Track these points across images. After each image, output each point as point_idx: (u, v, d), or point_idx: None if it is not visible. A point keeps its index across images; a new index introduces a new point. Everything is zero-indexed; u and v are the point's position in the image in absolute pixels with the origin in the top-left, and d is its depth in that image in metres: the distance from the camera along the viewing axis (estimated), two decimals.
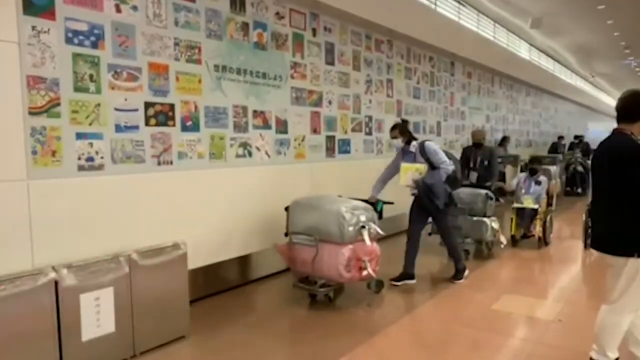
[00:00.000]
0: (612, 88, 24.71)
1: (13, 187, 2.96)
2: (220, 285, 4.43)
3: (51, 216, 3.12)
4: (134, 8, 3.62)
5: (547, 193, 6.60)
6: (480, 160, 6.55)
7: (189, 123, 4.07)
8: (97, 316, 3.05)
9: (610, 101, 26.75)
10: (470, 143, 7.02)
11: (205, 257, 4.15)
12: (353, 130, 6.28)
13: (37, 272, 2.83)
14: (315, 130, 5.57)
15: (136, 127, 3.66)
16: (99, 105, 3.41)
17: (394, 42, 7.14)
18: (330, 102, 5.82)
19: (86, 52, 3.32)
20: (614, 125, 2.89)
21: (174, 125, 3.94)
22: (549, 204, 6.64)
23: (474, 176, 6.49)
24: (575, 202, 10.20)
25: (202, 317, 3.84)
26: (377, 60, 6.76)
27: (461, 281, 4.85)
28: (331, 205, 4.02)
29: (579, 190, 11.92)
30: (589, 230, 5.56)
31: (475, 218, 5.67)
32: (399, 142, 4.72)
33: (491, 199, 5.75)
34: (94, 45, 3.37)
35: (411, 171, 4.59)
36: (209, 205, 4.21)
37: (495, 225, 5.72)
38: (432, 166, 4.59)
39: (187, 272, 3.59)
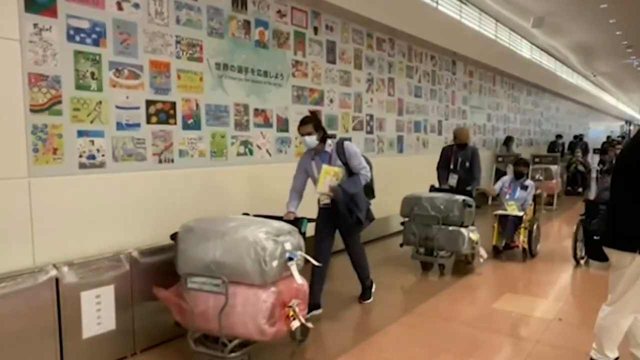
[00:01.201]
0: (613, 87, 24.69)
1: (14, 185, 2.96)
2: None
3: (52, 214, 3.12)
4: (136, 6, 3.62)
5: (535, 199, 6.04)
6: (461, 162, 5.87)
7: (190, 121, 4.07)
8: (98, 314, 3.06)
9: (612, 100, 26.74)
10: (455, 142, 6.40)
11: None
12: (354, 128, 6.27)
13: (38, 269, 2.84)
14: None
15: (137, 125, 3.66)
16: (100, 103, 3.41)
17: (396, 40, 7.13)
18: (331, 101, 5.81)
19: (88, 49, 3.32)
20: (616, 124, 2.89)
21: (175, 123, 3.95)
22: (535, 211, 6.11)
23: (453, 179, 5.88)
24: (576, 201, 10.18)
25: None
26: (378, 58, 6.75)
27: (370, 300, 4.33)
28: (243, 231, 2.87)
29: (580, 189, 11.93)
30: (579, 243, 5.44)
31: (450, 228, 4.94)
32: (313, 139, 3.87)
33: (469, 206, 5.02)
34: (96, 43, 3.37)
35: (329, 175, 3.80)
36: (210, 203, 4.21)
37: (474, 236, 5.01)
38: (350, 171, 3.89)
39: None
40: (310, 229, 3.64)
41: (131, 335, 3.25)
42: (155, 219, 3.72)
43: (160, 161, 3.84)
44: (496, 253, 5.81)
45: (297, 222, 3.47)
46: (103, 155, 3.44)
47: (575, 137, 17.05)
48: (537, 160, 10.48)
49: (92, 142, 3.38)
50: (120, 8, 3.51)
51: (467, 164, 5.85)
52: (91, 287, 3.02)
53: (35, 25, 3.03)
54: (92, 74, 3.36)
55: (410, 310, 4.20)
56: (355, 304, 4.26)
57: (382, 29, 6.65)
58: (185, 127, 4.03)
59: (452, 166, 5.90)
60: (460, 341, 3.54)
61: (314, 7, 5.45)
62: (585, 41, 13.30)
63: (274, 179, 4.89)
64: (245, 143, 4.61)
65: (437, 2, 7.85)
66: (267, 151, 4.88)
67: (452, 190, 5.56)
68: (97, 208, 3.38)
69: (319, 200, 4.02)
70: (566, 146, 15.21)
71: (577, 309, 4.40)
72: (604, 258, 3.38)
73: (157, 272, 3.35)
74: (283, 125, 5.07)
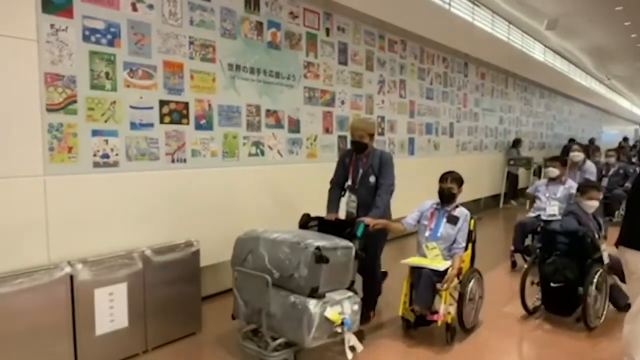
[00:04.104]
0: (628, 91, 24.38)
1: (30, 183, 3.01)
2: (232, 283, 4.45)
3: (67, 212, 3.16)
4: (150, 7, 3.66)
5: (470, 237, 3.63)
6: (363, 175, 3.70)
7: (203, 121, 4.10)
8: (111, 311, 3.09)
9: (626, 104, 26.42)
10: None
11: (217, 254, 4.17)
12: None
13: (53, 266, 2.87)
14: (327, 130, 5.57)
15: (151, 125, 3.70)
16: (114, 102, 3.45)
17: (408, 42, 7.12)
18: (342, 102, 5.82)
19: (103, 50, 3.36)
20: (630, 128, 2.87)
21: (188, 123, 3.97)
22: (472, 261, 3.73)
23: (352, 204, 3.75)
24: None
25: (213, 314, 3.87)
26: (390, 60, 6.74)
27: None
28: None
29: None
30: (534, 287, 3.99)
31: (292, 298, 2.82)
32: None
33: (326, 260, 2.79)
34: (111, 44, 3.41)
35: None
36: (222, 203, 4.23)
37: (334, 313, 2.81)
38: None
39: (200, 269, 3.63)
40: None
41: (143, 333, 3.27)
42: (167, 218, 3.75)
43: (173, 161, 3.87)
44: (407, 328, 3.62)
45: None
46: (117, 155, 3.48)
47: (589, 141, 16.87)
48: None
49: (106, 141, 3.42)
50: (134, 9, 3.55)
51: (372, 179, 3.66)
52: (105, 285, 3.05)
53: (52, 25, 3.08)
54: (107, 74, 3.40)
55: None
56: None
57: (394, 30, 6.65)
58: (198, 127, 4.06)
59: (349, 182, 3.79)
60: None
61: (326, 9, 5.46)
62: (600, 44, 13.15)
63: (285, 179, 4.91)
64: (256, 144, 4.63)
65: (449, 4, 7.82)
66: (279, 152, 4.89)
67: (339, 223, 3.53)
68: (111, 206, 3.42)
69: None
70: None
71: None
72: (567, 312, 3.38)
73: (170, 271, 3.38)
74: (294, 126, 5.08)
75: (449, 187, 3.66)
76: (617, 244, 2.79)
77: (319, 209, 3.80)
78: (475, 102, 9.50)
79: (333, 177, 3.91)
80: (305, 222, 3.52)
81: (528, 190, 5.95)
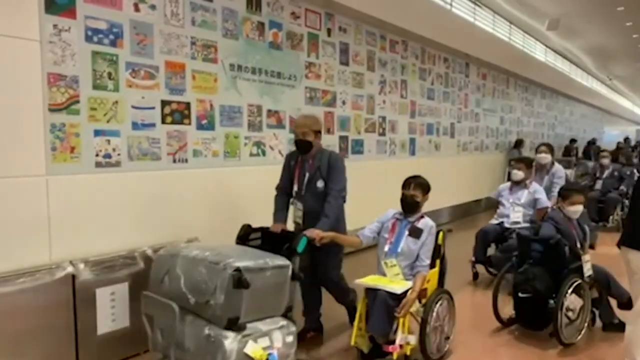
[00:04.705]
0: (629, 91, 24.36)
1: (33, 183, 3.02)
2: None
3: (69, 211, 3.17)
4: (152, 7, 3.66)
5: (438, 253, 3.18)
6: (309, 180, 3.28)
7: (205, 121, 4.11)
8: (112, 310, 3.11)
9: (627, 104, 26.39)
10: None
11: None
12: (366, 130, 6.28)
13: (55, 266, 2.89)
14: (328, 130, 5.58)
15: (153, 125, 3.71)
16: (116, 102, 3.46)
17: (409, 42, 7.12)
18: (344, 102, 5.82)
19: (105, 50, 3.37)
20: (631, 128, 2.88)
21: (189, 123, 3.98)
22: (440, 282, 3.23)
23: (299, 212, 3.34)
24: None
25: None
26: (391, 60, 6.75)
27: None
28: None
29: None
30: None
31: (207, 329, 2.36)
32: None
33: (246, 285, 2.32)
34: (113, 44, 3.42)
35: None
36: (223, 203, 4.24)
37: (258, 347, 2.36)
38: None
39: None
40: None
41: (145, 332, 3.28)
42: (169, 218, 3.76)
43: (174, 161, 3.88)
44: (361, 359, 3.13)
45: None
46: (119, 155, 3.49)
47: (590, 141, 16.88)
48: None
49: (108, 141, 3.43)
50: (137, 9, 3.56)
51: (320, 184, 3.24)
52: (106, 284, 3.06)
53: (54, 26, 3.08)
54: (109, 74, 3.41)
55: None
56: None
57: (395, 30, 6.65)
58: (200, 127, 4.07)
59: (295, 188, 3.37)
60: None
61: (328, 9, 5.47)
62: (601, 44, 13.14)
63: None
64: (258, 144, 4.64)
65: (450, 4, 7.82)
66: (280, 152, 4.90)
67: (280, 238, 2.98)
68: (113, 206, 3.43)
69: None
70: (580, 150, 15.05)
71: None
72: (538, 326, 3.28)
73: None
74: None
75: (411, 194, 3.14)
76: (619, 244, 2.79)
77: None
78: (476, 102, 9.51)
79: (279, 181, 3.48)
80: (245, 234, 3.05)
81: (491, 195, 5.45)
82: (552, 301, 3.34)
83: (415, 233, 3.10)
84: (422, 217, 3.19)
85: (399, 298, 2.88)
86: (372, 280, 3.03)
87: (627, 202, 7.57)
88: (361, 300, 3.07)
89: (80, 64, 3.23)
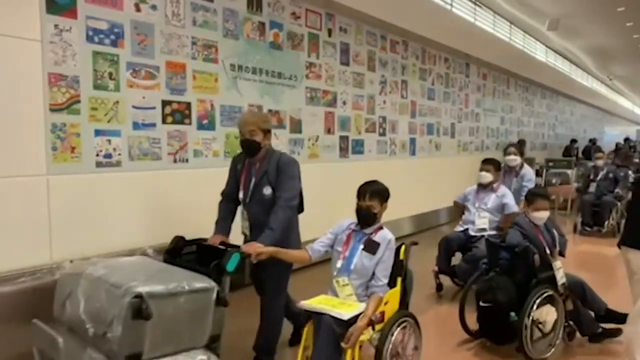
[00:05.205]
0: (629, 91, 24.37)
1: (33, 182, 3.03)
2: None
3: (69, 211, 3.18)
4: (153, 7, 3.67)
5: (400, 270, 2.76)
6: (255, 186, 2.89)
7: (205, 121, 4.12)
8: None
9: (627, 104, 26.40)
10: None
11: None
12: (367, 130, 6.28)
13: (56, 265, 2.88)
14: (329, 131, 5.59)
15: (153, 125, 3.71)
16: (117, 102, 3.46)
17: (409, 42, 7.12)
18: (344, 103, 5.83)
19: (106, 50, 3.38)
20: (632, 128, 2.88)
21: (190, 123, 3.99)
22: (403, 303, 2.80)
23: (245, 223, 2.98)
24: None
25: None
26: (392, 61, 6.75)
27: None
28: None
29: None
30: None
31: None
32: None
33: (146, 316, 1.94)
34: (114, 44, 3.43)
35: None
36: None
37: None
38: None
39: None
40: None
41: None
42: (169, 218, 3.76)
43: (175, 161, 3.89)
44: None
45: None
46: (119, 154, 3.50)
47: (590, 140, 16.89)
48: (551, 164, 10.39)
49: (109, 141, 3.44)
50: (138, 9, 3.57)
51: (267, 191, 2.85)
52: None
53: (55, 26, 3.09)
54: (110, 74, 3.41)
55: None
56: None
57: (395, 31, 6.66)
58: (200, 127, 4.08)
59: (241, 195, 2.98)
60: None
61: (328, 9, 5.47)
62: (601, 44, 13.15)
63: None
64: None
65: (451, 5, 7.83)
66: None
67: (219, 252, 2.46)
68: (113, 206, 3.43)
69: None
70: (580, 150, 15.05)
71: None
72: (500, 339, 3.11)
73: None
74: (296, 127, 5.10)
75: (367, 205, 2.69)
76: (619, 244, 2.80)
77: (319, 210, 3.79)
78: (476, 102, 9.51)
79: (225, 186, 3.09)
80: (175, 248, 2.66)
81: (456, 199, 4.89)
82: (512, 314, 3.06)
83: (371, 247, 2.67)
84: (380, 228, 2.75)
85: (348, 324, 2.41)
86: (318, 303, 2.55)
87: (619, 205, 7.21)
88: (307, 327, 2.58)
89: (81, 64, 3.24)
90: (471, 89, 9.24)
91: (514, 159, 5.37)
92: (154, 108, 3.71)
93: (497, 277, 3.29)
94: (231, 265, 2.35)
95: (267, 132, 2.89)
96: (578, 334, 3.45)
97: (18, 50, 2.92)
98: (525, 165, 5.48)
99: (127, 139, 3.55)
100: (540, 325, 3.13)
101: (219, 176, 4.21)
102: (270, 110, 4.75)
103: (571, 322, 3.37)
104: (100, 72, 3.35)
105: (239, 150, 3.08)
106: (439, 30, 7.36)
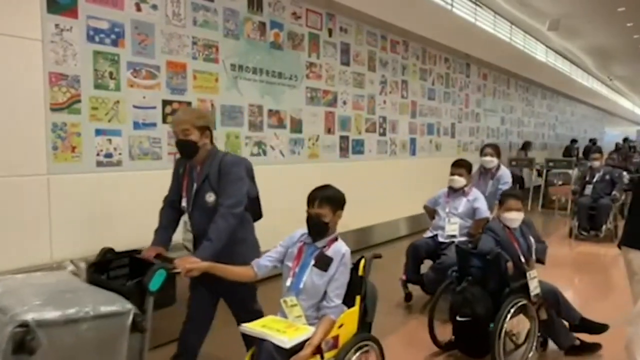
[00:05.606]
0: (630, 91, 24.36)
1: (34, 182, 3.03)
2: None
3: (70, 210, 3.18)
4: (154, 7, 3.67)
5: (359, 288, 2.38)
6: (197, 192, 2.56)
7: None
8: None
9: (628, 105, 26.39)
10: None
11: None
12: (367, 130, 6.28)
13: (56, 265, 2.89)
14: (329, 130, 5.59)
15: (154, 125, 3.72)
16: (118, 102, 3.47)
17: (410, 43, 7.13)
18: (344, 102, 5.83)
19: (107, 50, 3.38)
20: (632, 129, 2.88)
21: None
22: (364, 325, 2.43)
23: (187, 233, 2.68)
24: None
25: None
26: (392, 61, 6.75)
27: None
28: None
29: None
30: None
31: None
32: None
33: (30, 350, 1.59)
34: (114, 44, 3.43)
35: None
36: None
37: None
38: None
39: None
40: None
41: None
42: None
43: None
44: None
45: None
46: (120, 154, 3.50)
47: (590, 140, 16.89)
48: (551, 164, 10.39)
49: (110, 140, 3.44)
50: (138, 9, 3.57)
51: (210, 198, 2.53)
52: None
53: (56, 25, 3.09)
54: (111, 73, 3.42)
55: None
56: None
57: (396, 31, 6.66)
58: None
59: (184, 203, 2.65)
60: None
61: (329, 9, 5.48)
62: (602, 44, 13.15)
63: (286, 179, 4.92)
64: (259, 144, 4.65)
65: (451, 5, 7.83)
66: (281, 152, 4.91)
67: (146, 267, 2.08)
68: (114, 205, 3.44)
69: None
70: (581, 150, 15.05)
71: None
72: (477, 353, 3.01)
73: None
74: (296, 127, 5.10)
75: (317, 212, 2.33)
76: (619, 244, 2.80)
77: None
78: (477, 102, 9.51)
79: (168, 192, 2.76)
80: (103, 262, 2.31)
81: (426, 203, 4.60)
82: (492, 325, 2.90)
83: (323, 263, 2.30)
84: (334, 240, 2.38)
85: (291, 352, 2.07)
86: (261, 326, 2.21)
87: (614, 209, 7.04)
88: (251, 351, 2.27)
89: (81, 64, 3.24)
90: (471, 89, 9.24)
91: (491, 160, 5.09)
92: (154, 108, 3.71)
93: (470, 287, 3.07)
94: (155, 283, 1.99)
95: (204, 130, 2.53)
96: (551, 344, 3.31)
97: (19, 50, 2.93)
98: (502, 167, 5.24)
99: (128, 138, 3.55)
100: (513, 337, 3.05)
101: None
102: (270, 110, 4.75)
103: (546, 336, 3.26)
104: (100, 72, 3.35)
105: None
106: (439, 30, 7.36)
